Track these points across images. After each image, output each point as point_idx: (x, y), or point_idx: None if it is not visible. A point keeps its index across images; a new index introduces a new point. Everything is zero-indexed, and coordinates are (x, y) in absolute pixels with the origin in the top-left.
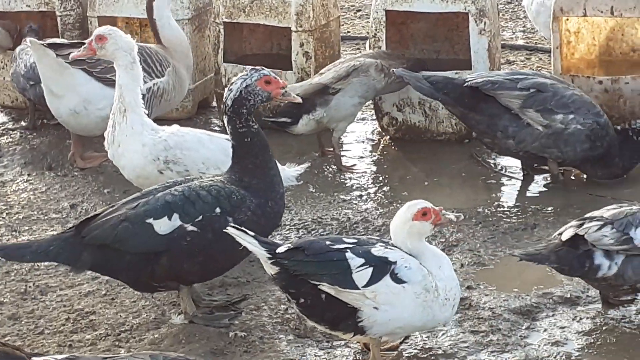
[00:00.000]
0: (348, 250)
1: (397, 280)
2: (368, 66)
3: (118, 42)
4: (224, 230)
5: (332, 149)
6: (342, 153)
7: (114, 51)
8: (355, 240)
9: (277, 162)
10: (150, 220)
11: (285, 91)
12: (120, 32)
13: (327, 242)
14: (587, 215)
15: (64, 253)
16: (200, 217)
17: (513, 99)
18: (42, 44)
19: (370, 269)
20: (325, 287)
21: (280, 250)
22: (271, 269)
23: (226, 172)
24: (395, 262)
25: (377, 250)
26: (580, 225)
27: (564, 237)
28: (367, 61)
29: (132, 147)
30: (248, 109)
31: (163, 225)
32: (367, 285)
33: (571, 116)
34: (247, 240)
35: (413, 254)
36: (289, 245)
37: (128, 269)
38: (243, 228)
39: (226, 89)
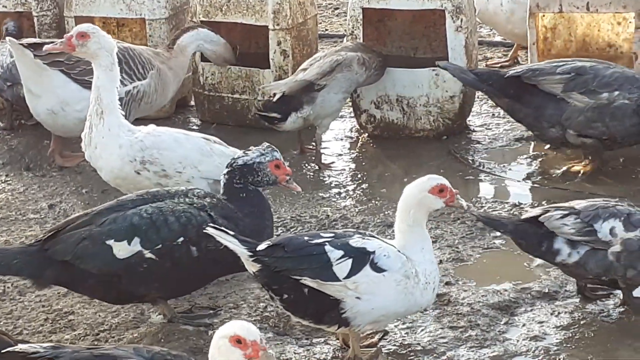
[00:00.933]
0: (327, 243)
1: (377, 269)
2: (351, 60)
3: (101, 41)
4: (204, 230)
5: (311, 147)
6: (321, 150)
7: (96, 50)
8: (332, 234)
9: None
10: (111, 242)
11: (289, 179)
12: (102, 31)
13: (306, 238)
14: (565, 204)
15: (27, 267)
16: (160, 245)
17: (555, 84)
18: (21, 44)
19: (350, 260)
20: (307, 281)
21: (260, 247)
22: (252, 267)
23: (221, 196)
24: (373, 252)
25: (355, 242)
26: (547, 211)
27: (524, 215)
28: (349, 55)
29: (109, 149)
30: (251, 180)
31: (122, 249)
32: (348, 276)
33: (616, 93)
34: (227, 239)
35: (408, 225)
36: (269, 242)
37: (90, 288)
38: (222, 228)
39: (242, 151)
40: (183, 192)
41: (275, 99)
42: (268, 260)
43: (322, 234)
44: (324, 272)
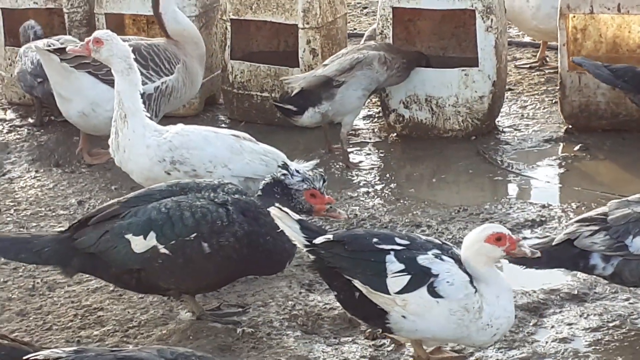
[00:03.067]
0: (392, 252)
1: (434, 294)
2: (372, 59)
3: (113, 48)
4: (270, 210)
5: (338, 146)
6: (349, 150)
7: (108, 57)
8: (408, 242)
9: (285, 156)
10: (129, 236)
11: (330, 207)
12: (117, 38)
13: (374, 240)
14: (591, 213)
15: (56, 256)
16: (174, 241)
17: None
18: (48, 50)
19: (408, 277)
20: (357, 283)
21: (318, 240)
22: (310, 256)
23: (254, 196)
24: (437, 275)
25: (424, 259)
26: (576, 228)
27: (555, 242)
28: (371, 54)
29: (136, 150)
30: (285, 199)
31: (138, 244)
32: (400, 292)
33: None
34: (287, 223)
35: (474, 275)
36: (330, 236)
37: (115, 279)
38: (288, 210)
39: (291, 166)
40: (213, 186)
41: (293, 93)
42: (324, 254)
43: (397, 239)
44: (376, 280)
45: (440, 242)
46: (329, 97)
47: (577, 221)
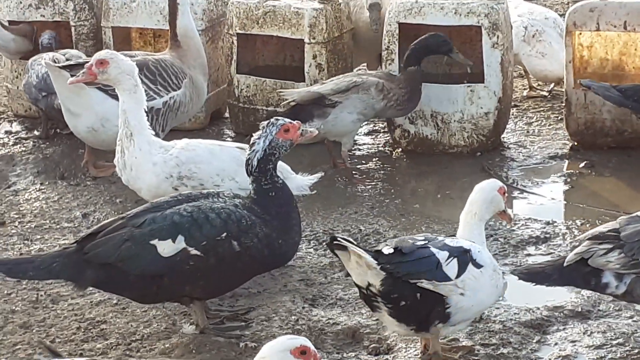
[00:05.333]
0: (430, 246)
1: (477, 265)
2: (369, 85)
3: (120, 65)
4: (335, 241)
5: (342, 161)
6: (354, 165)
7: (117, 75)
8: (423, 237)
9: (290, 169)
10: (155, 242)
11: (303, 130)
12: (120, 55)
13: (410, 241)
14: (602, 229)
15: (66, 270)
16: (205, 242)
17: None
18: (57, 66)
19: (455, 260)
20: (424, 284)
21: (386, 251)
22: (377, 277)
23: (248, 198)
24: (470, 249)
25: (451, 242)
26: (588, 246)
27: (567, 261)
28: (370, 79)
29: (143, 168)
30: (274, 163)
31: (167, 247)
32: (458, 275)
33: None
34: (355, 249)
35: (474, 228)
36: (390, 249)
37: (131, 288)
38: (349, 239)
39: (248, 150)
40: (214, 193)
41: (285, 108)
42: (390, 267)
43: (416, 237)
44: (438, 273)
45: (437, 234)
46: (321, 116)
47: (589, 239)
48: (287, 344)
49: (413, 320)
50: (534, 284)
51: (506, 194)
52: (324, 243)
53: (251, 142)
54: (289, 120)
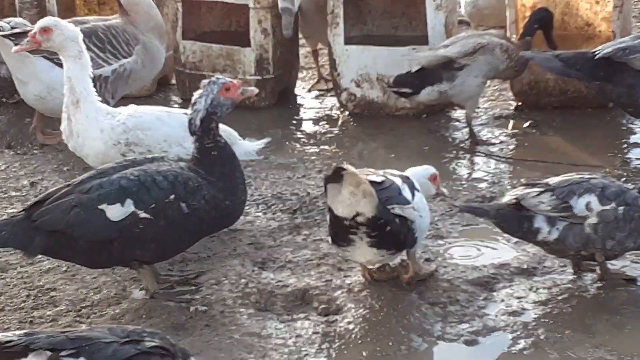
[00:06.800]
0: (386, 175)
1: (417, 189)
2: (494, 45)
3: (64, 32)
4: (342, 171)
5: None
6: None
7: (62, 42)
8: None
9: (237, 134)
10: (103, 206)
11: (243, 89)
12: (64, 21)
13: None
14: (538, 180)
15: (15, 238)
16: (154, 204)
17: None
18: (2, 35)
19: (406, 185)
20: (395, 209)
21: (378, 179)
22: (370, 204)
23: (192, 160)
24: (408, 176)
25: (392, 171)
26: (523, 190)
27: (504, 200)
28: (494, 40)
29: (90, 135)
30: (216, 122)
31: (115, 212)
32: (412, 199)
33: None
34: (359, 174)
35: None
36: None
37: (81, 254)
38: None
39: (190, 109)
40: (158, 157)
41: (413, 71)
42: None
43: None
44: (401, 198)
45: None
46: (450, 78)
47: (523, 185)
48: None
49: (392, 245)
50: (472, 215)
51: (438, 179)
52: (323, 174)
53: (192, 101)
54: (229, 79)
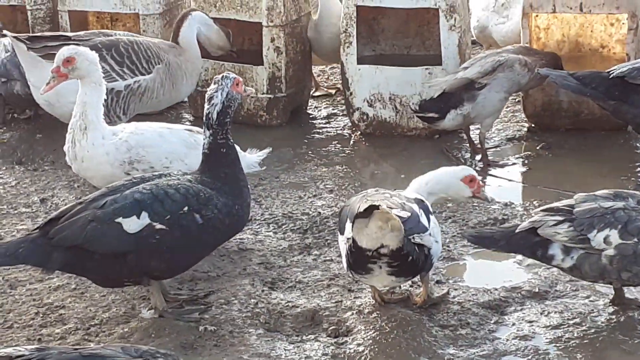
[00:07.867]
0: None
1: (431, 212)
2: (513, 61)
3: (87, 57)
4: (375, 209)
5: (481, 147)
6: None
7: (87, 67)
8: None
9: (239, 148)
10: (120, 219)
11: (245, 87)
12: (82, 47)
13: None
14: (558, 204)
15: (33, 255)
16: (169, 216)
17: None
18: (15, 37)
19: (422, 210)
20: (415, 238)
21: (403, 215)
22: (397, 237)
23: (196, 173)
24: (421, 198)
25: (407, 194)
26: (541, 217)
27: (520, 228)
28: (511, 57)
29: (96, 160)
30: (230, 117)
31: (132, 224)
32: (428, 226)
33: None
34: (390, 212)
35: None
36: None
37: (98, 268)
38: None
39: (207, 104)
40: (165, 173)
41: (435, 96)
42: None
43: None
44: (421, 226)
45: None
46: (471, 99)
47: (543, 210)
48: None
49: (410, 273)
50: (480, 247)
51: (477, 181)
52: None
53: (208, 96)
54: (236, 75)
